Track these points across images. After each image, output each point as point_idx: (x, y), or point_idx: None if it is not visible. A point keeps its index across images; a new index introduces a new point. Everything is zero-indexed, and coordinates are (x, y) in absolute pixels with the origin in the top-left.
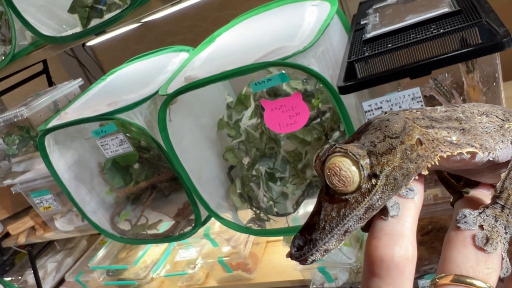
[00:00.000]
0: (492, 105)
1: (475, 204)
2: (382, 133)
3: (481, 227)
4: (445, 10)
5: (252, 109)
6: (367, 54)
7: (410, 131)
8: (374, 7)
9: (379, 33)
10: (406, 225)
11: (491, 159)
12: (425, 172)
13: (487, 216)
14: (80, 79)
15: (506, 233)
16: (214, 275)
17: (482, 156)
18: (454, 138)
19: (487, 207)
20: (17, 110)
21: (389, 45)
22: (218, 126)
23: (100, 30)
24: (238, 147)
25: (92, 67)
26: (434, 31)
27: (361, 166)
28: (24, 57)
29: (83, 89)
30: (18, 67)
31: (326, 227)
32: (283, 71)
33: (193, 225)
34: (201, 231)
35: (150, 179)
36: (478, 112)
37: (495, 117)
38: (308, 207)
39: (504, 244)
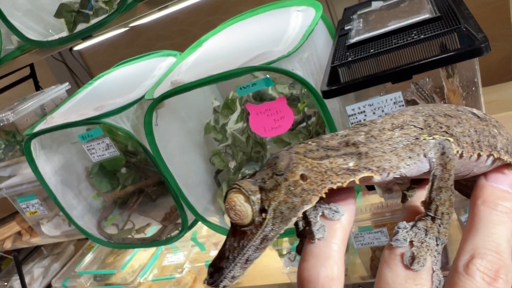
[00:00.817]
0: (417, 110)
1: (414, 211)
2: (271, 170)
3: (411, 243)
4: (426, 16)
5: (238, 113)
6: (350, 59)
7: (293, 168)
8: (358, 12)
9: (362, 39)
10: (333, 246)
11: (397, 176)
12: (312, 204)
13: (418, 229)
14: (67, 83)
15: (437, 245)
16: (202, 279)
17: (379, 178)
18: (351, 164)
19: (420, 219)
20: (3, 115)
21: (372, 50)
22: (205, 130)
23: (86, 34)
24: (225, 151)
25: (80, 71)
26: (415, 37)
27: (252, 201)
28: (11, 61)
29: (71, 93)
30: (4, 71)
31: (230, 257)
32: (268, 76)
33: (180, 229)
34: (188, 235)
35: (137, 183)
36: (391, 127)
37: (412, 127)
38: None
39: (435, 257)
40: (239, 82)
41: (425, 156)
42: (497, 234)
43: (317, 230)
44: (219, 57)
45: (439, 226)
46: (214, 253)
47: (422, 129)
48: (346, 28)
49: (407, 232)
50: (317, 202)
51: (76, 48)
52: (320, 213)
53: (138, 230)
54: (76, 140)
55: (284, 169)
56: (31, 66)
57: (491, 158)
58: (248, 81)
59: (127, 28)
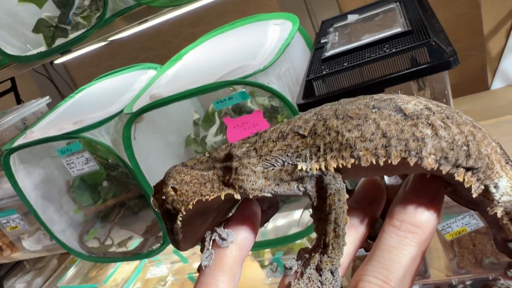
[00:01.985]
0: (318, 110)
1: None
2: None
3: (296, 273)
4: (398, 30)
5: (217, 126)
6: (324, 72)
7: (167, 180)
8: (334, 25)
9: (336, 52)
10: (218, 277)
11: (268, 195)
12: (183, 213)
13: (305, 259)
14: (47, 97)
15: (320, 275)
16: None
17: (240, 197)
18: (227, 178)
19: (311, 252)
20: None
21: (345, 64)
22: (185, 143)
23: (65, 49)
24: None
25: (64, 84)
26: (387, 51)
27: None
28: None
29: (54, 105)
30: None
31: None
32: (244, 90)
33: (161, 242)
34: (171, 247)
35: (118, 196)
36: (276, 137)
37: (296, 136)
38: (276, 221)
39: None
40: (219, 95)
41: (298, 188)
42: (391, 260)
43: (205, 257)
44: (198, 71)
45: (322, 255)
46: (197, 265)
47: (305, 137)
48: (322, 41)
49: (296, 260)
50: (216, 226)
51: (60, 60)
52: (213, 239)
53: (121, 243)
54: (56, 154)
55: (164, 179)
56: (12, 79)
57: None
58: (227, 94)
59: (107, 42)
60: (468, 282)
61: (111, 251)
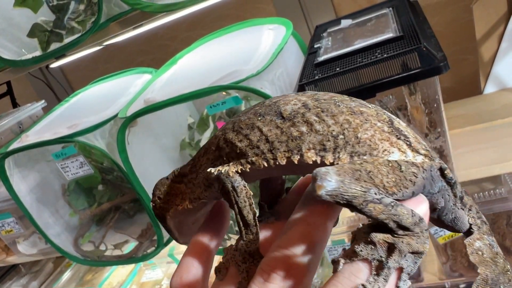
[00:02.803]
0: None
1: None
2: None
3: None
4: (390, 35)
5: (211, 130)
6: (317, 77)
7: (154, 191)
8: (328, 30)
9: (329, 57)
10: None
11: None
12: (169, 216)
13: (231, 250)
14: (43, 101)
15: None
16: None
17: (191, 206)
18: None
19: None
20: None
21: (338, 69)
22: (180, 147)
23: (59, 54)
24: None
25: (60, 88)
26: (379, 56)
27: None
28: None
29: (50, 109)
30: None
31: None
32: (237, 94)
33: (156, 246)
34: (166, 251)
35: (113, 200)
36: (203, 152)
37: (211, 150)
38: None
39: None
40: (213, 100)
41: (216, 189)
42: None
43: None
44: (192, 75)
45: (240, 240)
46: None
47: (214, 150)
48: (315, 46)
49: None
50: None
51: (56, 64)
52: None
53: (116, 246)
54: (51, 158)
55: (152, 191)
56: (8, 83)
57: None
58: (221, 98)
59: (102, 46)
60: (462, 286)
61: (106, 255)
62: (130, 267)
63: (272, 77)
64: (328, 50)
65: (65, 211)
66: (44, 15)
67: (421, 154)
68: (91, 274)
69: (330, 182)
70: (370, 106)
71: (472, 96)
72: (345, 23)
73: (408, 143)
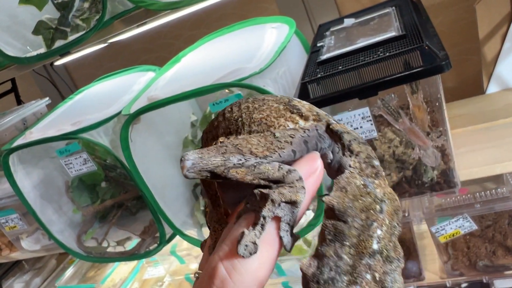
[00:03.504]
0: None
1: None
2: None
3: None
4: (392, 34)
5: None
6: (319, 75)
7: None
8: (331, 29)
9: (331, 56)
10: None
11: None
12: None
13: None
14: (47, 98)
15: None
16: None
17: None
18: None
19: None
20: None
21: (340, 67)
22: (183, 144)
23: (64, 51)
24: None
25: (64, 85)
26: (381, 54)
27: None
28: None
29: (54, 106)
30: None
31: None
32: (240, 92)
33: (158, 242)
34: (168, 248)
35: (116, 197)
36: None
37: None
38: None
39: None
40: (216, 97)
41: None
42: None
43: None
44: (196, 73)
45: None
46: (194, 266)
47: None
48: (318, 44)
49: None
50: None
51: (60, 62)
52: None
53: (119, 243)
54: (55, 155)
55: None
56: (13, 80)
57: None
58: (224, 96)
59: (106, 44)
60: (463, 285)
61: (109, 251)
62: (132, 264)
63: (275, 75)
64: (331, 48)
65: (68, 208)
66: (49, 13)
67: (310, 120)
68: (93, 271)
69: (188, 160)
70: (278, 96)
71: (474, 96)
72: (348, 22)
73: (300, 114)
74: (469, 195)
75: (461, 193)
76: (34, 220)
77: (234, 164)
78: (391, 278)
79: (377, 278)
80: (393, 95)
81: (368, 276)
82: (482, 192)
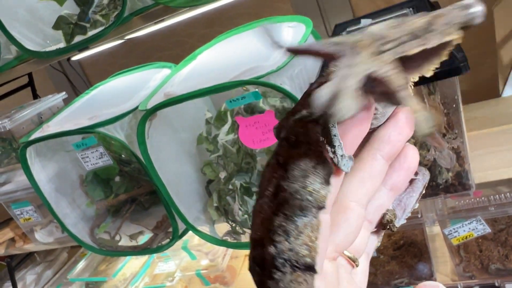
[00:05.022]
0: None
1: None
2: None
3: None
4: None
5: (229, 125)
6: None
7: None
8: (347, 29)
9: None
10: None
11: None
12: None
13: None
14: (64, 92)
15: None
16: None
17: None
18: None
19: None
20: (0, 122)
21: None
22: (197, 141)
23: (83, 46)
24: (217, 162)
25: (79, 81)
26: None
27: None
28: (9, 70)
29: (68, 101)
30: (2, 80)
31: None
32: (257, 90)
33: (171, 237)
34: (180, 244)
35: (130, 192)
36: None
37: None
38: None
39: None
40: (232, 95)
41: None
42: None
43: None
44: (212, 70)
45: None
46: (204, 262)
47: None
48: None
49: None
50: None
51: (75, 58)
52: None
53: (131, 237)
54: (71, 148)
55: None
56: (29, 75)
57: None
58: (240, 93)
59: (124, 40)
60: None
61: (122, 245)
62: (143, 259)
63: (291, 74)
64: None
65: (82, 201)
66: (68, 8)
67: None
68: (105, 265)
69: None
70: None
71: (490, 99)
72: (365, 22)
73: None
74: (483, 198)
75: (475, 196)
76: (48, 212)
77: None
78: None
79: None
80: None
81: None
82: (497, 196)
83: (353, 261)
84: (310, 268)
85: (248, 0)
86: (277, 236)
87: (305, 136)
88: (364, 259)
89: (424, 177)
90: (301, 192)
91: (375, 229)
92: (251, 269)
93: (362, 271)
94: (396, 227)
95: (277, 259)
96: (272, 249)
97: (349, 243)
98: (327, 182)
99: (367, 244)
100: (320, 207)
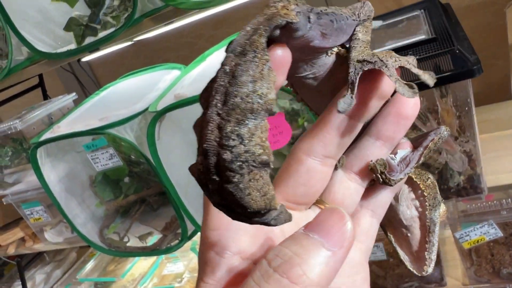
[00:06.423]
0: None
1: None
2: None
3: None
4: (422, 37)
5: None
6: None
7: None
8: None
9: None
10: None
11: None
12: None
13: None
14: (74, 93)
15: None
16: None
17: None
18: None
19: None
20: (11, 123)
21: None
22: None
23: (94, 47)
24: None
25: (88, 82)
26: None
27: None
28: (20, 71)
29: (78, 102)
30: (13, 81)
31: None
32: None
33: (179, 239)
34: (188, 245)
35: (139, 192)
36: None
37: None
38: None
39: None
40: None
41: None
42: None
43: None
44: None
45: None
46: None
47: None
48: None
49: None
50: None
51: (85, 59)
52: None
53: (140, 238)
54: (81, 149)
55: None
56: (40, 76)
57: None
58: None
59: (133, 42)
60: None
61: (131, 246)
62: (152, 259)
63: None
64: None
65: (91, 202)
66: (79, 10)
67: None
68: (113, 265)
69: None
70: None
71: (502, 101)
72: (375, 24)
73: None
74: (495, 202)
75: (487, 200)
76: (58, 212)
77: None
78: None
79: None
80: (422, 99)
81: None
82: (509, 199)
83: None
84: (265, 165)
85: (257, 1)
86: (232, 141)
87: (251, 46)
88: (368, 216)
89: (436, 133)
90: (252, 96)
91: (372, 183)
92: (203, 181)
93: (366, 230)
94: (394, 180)
95: (234, 162)
96: (227, 155)
97: (302, 195)
98: (273, 88)
99: (355, 197)
100: (269, 110)
